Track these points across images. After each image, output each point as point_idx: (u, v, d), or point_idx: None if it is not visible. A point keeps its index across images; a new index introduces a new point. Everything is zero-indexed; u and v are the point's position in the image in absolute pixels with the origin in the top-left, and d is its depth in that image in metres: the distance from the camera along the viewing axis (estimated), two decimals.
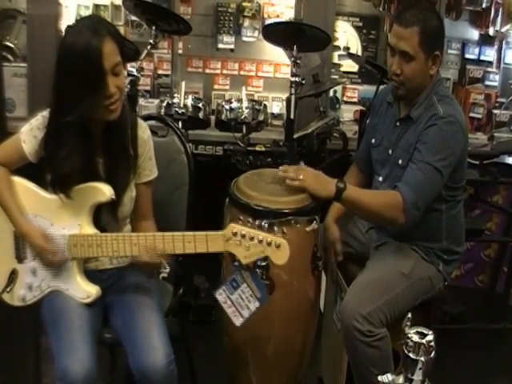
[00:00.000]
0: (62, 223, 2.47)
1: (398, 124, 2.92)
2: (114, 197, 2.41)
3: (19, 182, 2.55)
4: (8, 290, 2.58)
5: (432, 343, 1.78)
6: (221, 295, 2.50)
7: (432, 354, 1.78)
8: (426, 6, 2.91)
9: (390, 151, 2.92)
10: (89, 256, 2.46)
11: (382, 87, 3.22)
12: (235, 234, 2.26)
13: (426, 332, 1.81)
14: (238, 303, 2.51)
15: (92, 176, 2.43)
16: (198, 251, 2.34)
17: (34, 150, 2.46)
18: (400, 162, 2.84)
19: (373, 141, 3.05)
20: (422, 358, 1.77)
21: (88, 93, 2.26)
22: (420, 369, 1.77)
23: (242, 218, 2.63)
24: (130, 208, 2.58)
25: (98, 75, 2.26)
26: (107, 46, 2.26)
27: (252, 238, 2.25)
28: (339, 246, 3.08)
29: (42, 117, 2.45)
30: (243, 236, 2.26)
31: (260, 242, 2.24)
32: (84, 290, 2.48)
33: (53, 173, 2.42)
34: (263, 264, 2.60)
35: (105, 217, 2.51)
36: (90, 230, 2.45)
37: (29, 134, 2.45)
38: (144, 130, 2.59)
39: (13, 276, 2.58)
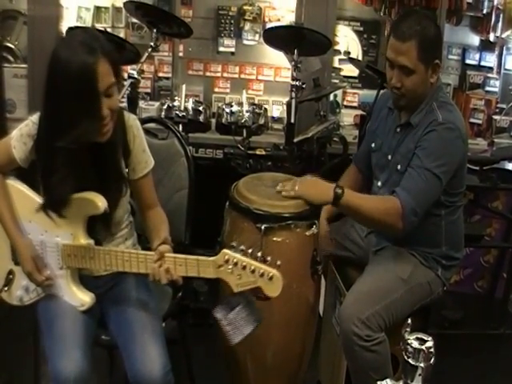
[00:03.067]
0: (55, 231, 2.44)
1: (398, 130, 2.91)
2: (107, 209, 2.37)
3: (13, 185, 2.52)
4: (6, 289, 2.58)
5: (432, 349, 1.78)
6: (218, 313, 2.47)
7: (432, 360, 1.78)
8: (422, 15, 2.87)
9: (390, 157, 2.91)
10: (82, 267, 2.45)
11: (382, 92, 3.20)
12: (227, 262, 2.20)
13: (425, 338, 1.80)
14: (235, 323, 2.48)
15: (84, 189, 2.37)
16: (189, 275, 2.30)
17: (25, 157, 2.41)
18: (399, 167, 2.84)
19: (373, 145, 3.05)
20: (422, 364, 1.76)
21: (81, 118, 2.17)
22: (419, 375, 1.77)
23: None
24: (123, 211, 2.55)
25: (92, 99, 2.16)
26: (101, 67, 2.16)
27: (244, 267, 2.19)
28: (324, 243, 3.06)
29: (31, 122, 2.38)
30: (235, 264, 2.20)
31: (252, 272, 2.18)
32: (78, 298, 2.47)
33: (46, 197, 2.38)
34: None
35: (97, 226, 2.46)
36: (83, 240, 2.41)
37: (19, 141, 2.39)
38: (132, 124, 2.49)
39: (10, 276, 2.57)
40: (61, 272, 2.47)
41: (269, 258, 2.24)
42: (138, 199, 2.60)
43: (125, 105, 3.83)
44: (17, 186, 2.53)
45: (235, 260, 2.19)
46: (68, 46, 2.19)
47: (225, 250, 2.22)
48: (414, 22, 2.70)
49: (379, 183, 2.99)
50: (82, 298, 2.47)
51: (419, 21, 2.71)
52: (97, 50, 2.16)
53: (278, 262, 2.22)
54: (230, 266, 2.20)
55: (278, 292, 2.21)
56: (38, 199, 2.45)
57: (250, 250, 2.22)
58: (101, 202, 2.35)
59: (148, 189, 2.60)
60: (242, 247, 2.22)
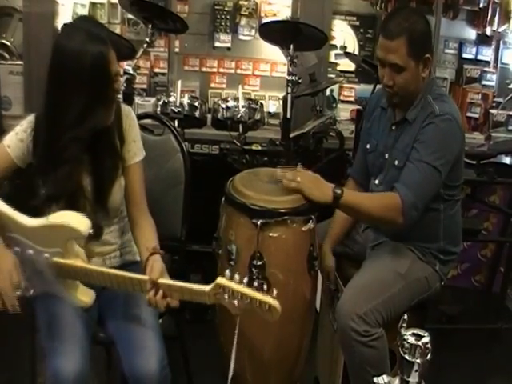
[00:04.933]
0: (42, 248, 2.34)
1: (393, 128, 2.90)
2: (91, 231, 2.29)
3: None
4: None
5: (428, 345, 1.77)
6: None
7: (428, 356, 1.77)
8: (410, 11, 2.87)
9: (387, 155, 2.90)
10: (76, 279, 2.40)
11: (375, 91, 3.19)
12: (223, 290, 2.16)
13: (422, 334, 1.79)
14: None
15: (80, 171, 2.39)
16: (185, 299, 2.29)
17: (21, 153, 2.40)
18: (396, 162, 2.83)
19: (368, 146, 3.03)
20: (418, 360, 1.76)
21: (98, 106, 2.24)
22: (416, 371, 1.76)
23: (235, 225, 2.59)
24: (120, 197, 2.55)
25: (107, 86, 2.25)
26: (111, 54, 2.26)
27: (241, 297, 2.14)
28: (333, 276, 3.06)
29: (26, 122, 2.40)
30: (232, 293, 2.15)
31: (249, 302, 2.13)
32: (78, 299, 2.44)
33: (47, 189, 2.37)
34: (259, 263, 2.60)
35: (94, 211, 2.45)
36: (72, 256, 2.34)
37: (14, 139, 2.40)
38: (128, 114, 2.56)
39: None
40: (58, 278, 2.42)
41: (265, 287, 2.20)
42: (126, 193, 2.58)
43: (121, 101, 3.82)
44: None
45: (231, 290, 2.15)
46: (74, 37, 2.22)
47: (219, 280, 2.17)
48: (401, 19, 2.70)
49: (377, 181, 2.98)
50: (82, 298, 2.44)
51: (407, 17, 2.70)
52: (105, 38, 2.25)
53: (275, 292, 2.19)
54: (226, 296, 2.16)
55: (276, 318, 2.17)
56: (23, 219, 2.33)
57: (245, 280, 2.17)
58: (83, 227, 2.28)
59: (136, 182, 2.59)
60: (237, 276, 2.18)
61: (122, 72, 3.74)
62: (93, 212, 2.45)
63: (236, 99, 4.22)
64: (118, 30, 4.93)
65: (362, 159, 3.14)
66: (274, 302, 2.13)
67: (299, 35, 3.91)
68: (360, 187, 3.17)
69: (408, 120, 2.81)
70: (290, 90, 3.91)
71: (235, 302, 2.15)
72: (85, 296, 2.45)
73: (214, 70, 5.17)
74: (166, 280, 2.30)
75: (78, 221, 2.29)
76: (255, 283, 2.16)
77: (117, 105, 2.49)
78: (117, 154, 2.49)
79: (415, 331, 1.81)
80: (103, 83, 2.25)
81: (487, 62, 5.17)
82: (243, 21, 5.07)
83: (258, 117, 4.22)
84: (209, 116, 4.38)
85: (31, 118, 2.40)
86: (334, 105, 5.16)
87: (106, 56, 2.24)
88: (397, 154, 2.84)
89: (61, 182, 2.35)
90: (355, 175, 3.21)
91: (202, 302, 2.24)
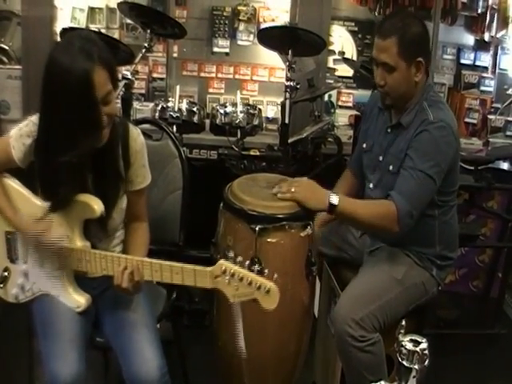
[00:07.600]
0: (51, 232, 2.42)
1: (389, 130, 2.91)
2: (103, 213, 2.36)
3: (11, 185, 2.52)
4: (1, 286, 2.58)
5: (426, 351, 1.77)
6: None
7: (426, 362, 1.77)
8: (406, 14, 2.89)
9: (381, 157, 2.91)
10: (78, 269, 2.43)
11: (373, 92, 3.21)
12: (224, 272, 2.17)
13: (419, 340, 1.80)
14: None
15: (82, 189, 2.37)
16: (186, 284, 2.28)
17: (23, 157, 2.40)
18: (391, 168, 2.84)
19: (364, 145, 3.05)
20: (416, 366, 1.76)
21: (81, 131, 2.17)
22: (414, 377, 1.77)
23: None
24: (120, 219, 2.55)
25: (91, 108, 2.15)
26: (98, 75, 2.14)
27: (241, 279, 2.16)
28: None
29: (31, 122, 2.36)
30: (232, 275, 2.16)
31: (249, 284, 2.15)
32: (74, 299, 2.46)
33: (46, 197, 2.40)
34: (257, 269, 2.60)
35: (93, 229, 2.45)
36: (79, 242, 2.40)
37: (18, 141, 2.38)
38: (136, 138, 2.50)
39: (5, 273, 2.57)
40: (57, 273, 2.46)
41: (266, 271, 2.23)
42: (127, 210, 2.57)
43: (119, 106, 3.82)
44: (14, 186, 2.52)
45: (232, 271, 2.17)
46: (66, 53, 2.15)
47: (222, 261, 2.20)
48: (396, 20, 2.74)
49: (371, 185, 2.98)
50: (78, 299, 2.47)
51: (402, 19, 2.74)
52: (94, 57, 2.14)
53: (275, 276, 2.21)
54: (227, 277, 2.18)
55: (274, 305, 2.18)
56: (35, 199, 2.46)
57: (247, 262, 2.21)
58: (97, 206, 2.34)
59: (140, 203, 2.60)
60: (240, 259, 2.21)
61: (120, 77, 3.74)
62: (92, 232, 2.46)
63: (234, 104, 4.22)
64: (116, 35, 4.94)
65: (359, 154, 3.16)
66: (273, 286, 2.15)
67: (297, 41, 3.91)
68: (355, 177, 3.22)
69: (402, 125, 2.82)
70: (288, 95, 3.91)
71: (235, 284, 2.16)
72: (80, 297, 2.47)
73: (213, 75, 5.17)
74: (168, 262, 2.30)
75: (92, 199, 2.36)
76: (255, 267, 2.18)
77: (125, 126, 2.46)
78: (120, 177, 2.46)
79: (413, 337, 1.81)
80: (86, 105, 2.14)
81: (485, 68, 5.18)
82: (241, 26, 5.07)
83: (256, 122, 4.23)
84: (207, 121, 4.38)
85: (35, 119, 2.34)
86: (332, 110, 5.17)
87: (90, 75, 2.11)
88: (391, 160, 2.85)
89: (50, 192, 2.37)
90: (352, 166, 3.26)
91: (202, 285, 2.25)
